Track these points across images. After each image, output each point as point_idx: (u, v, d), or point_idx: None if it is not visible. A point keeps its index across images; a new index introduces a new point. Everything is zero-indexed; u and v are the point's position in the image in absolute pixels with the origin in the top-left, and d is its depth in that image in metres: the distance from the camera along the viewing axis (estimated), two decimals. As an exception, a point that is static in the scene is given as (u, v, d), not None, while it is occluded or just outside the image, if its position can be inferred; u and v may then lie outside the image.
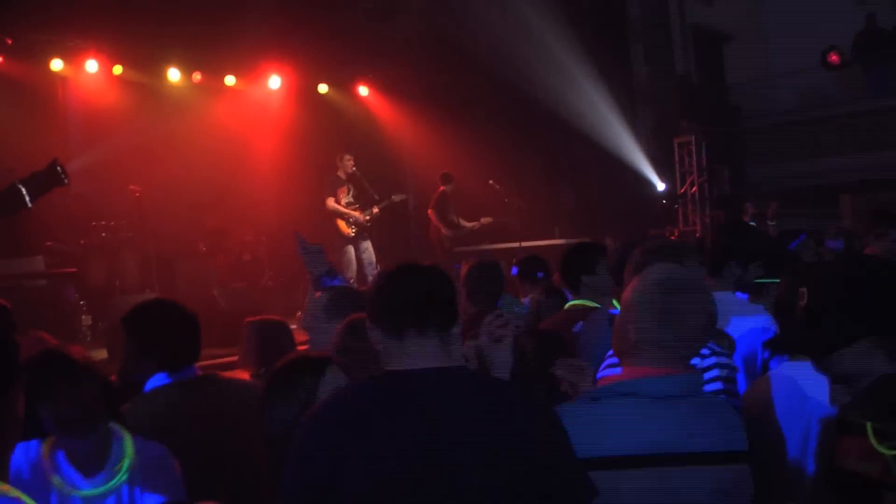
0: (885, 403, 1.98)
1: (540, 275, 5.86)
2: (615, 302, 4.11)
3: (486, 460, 2.14)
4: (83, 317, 9.64)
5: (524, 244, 11.90)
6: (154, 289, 10.00)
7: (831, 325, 2.16)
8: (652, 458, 2.31)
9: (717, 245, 3.99)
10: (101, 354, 8.21)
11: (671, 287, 2.44)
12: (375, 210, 11.67)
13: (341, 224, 11.59)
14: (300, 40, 12.48)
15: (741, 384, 3.13)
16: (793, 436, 2.65)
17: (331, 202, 11.59)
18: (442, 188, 12.46)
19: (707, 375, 2.84)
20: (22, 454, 2.76)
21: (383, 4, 13.56)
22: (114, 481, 2.78)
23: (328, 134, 13.20)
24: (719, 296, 3.58)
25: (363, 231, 11.73)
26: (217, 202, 12.18)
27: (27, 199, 6.62)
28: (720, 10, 19.77)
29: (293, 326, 4.67)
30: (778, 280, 3.57)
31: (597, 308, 4.20)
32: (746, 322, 3.56)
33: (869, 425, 1.98)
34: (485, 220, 12.58)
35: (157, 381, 3.25)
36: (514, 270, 6.13)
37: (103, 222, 10.60)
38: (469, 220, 12.62)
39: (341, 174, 11.71)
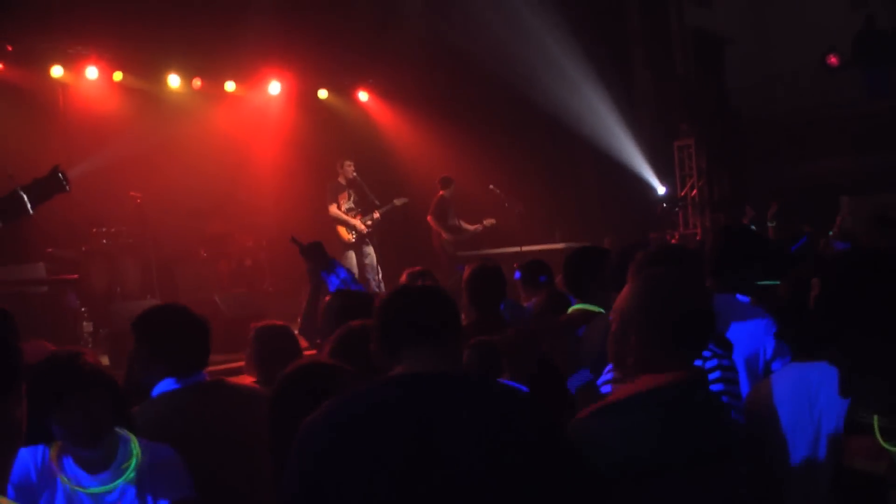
0: (891, 397, 1.97)
1: (543, 279, 5.86)
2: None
3: (485, 467, 2.13)
4: (84, 323, 9.63)
5: (525, 248, 11.90)
6: (155, 295, 10.01)
7: (844, 314, 2.14)
8: (673, 465, 2.30)
9: (717, 247, 3.99)
10: (103, 361, 8.18)
11: (666, 292, 2.44)
12: (376, 215, 11.68)
13: (342, 230, 11.61)
14: (300, 46, 12.50)
15: (743, 386, 3.13)
16: (801, 438, 2.64)
17: (333, 209, 11.61)
18: (441, 192, 12.43)
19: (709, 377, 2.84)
20: (30, 458, 2.78)
21: (383, 10, 13.59)
22: (121, 479, 2.79)
23: (328, 139, 13.21)
24: (720, 298, 3.60)
25: (365, 236, 11.74)
26: (218, 208, 12.19)
27: (28, 205, 6.63)
28: (720, 13, 19.80)
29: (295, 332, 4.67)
30: (779, 282, 3.57)
31: (600, 313, 4.20)
32: (748, 324, 3.56)
33: (876, 419, 1.98)
34: (488, 221, 12.49)
35: (165, 385, 3.25)
36: (518, 275, 6.13)
37: (104, 228, 10.60)
38: (471, 224, 12.59)
39: (342, 180, 11.73)
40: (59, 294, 9.67)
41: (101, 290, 10.29)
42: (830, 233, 8.60)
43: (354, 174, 11.70)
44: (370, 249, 11.78)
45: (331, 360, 2.83)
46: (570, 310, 4.57)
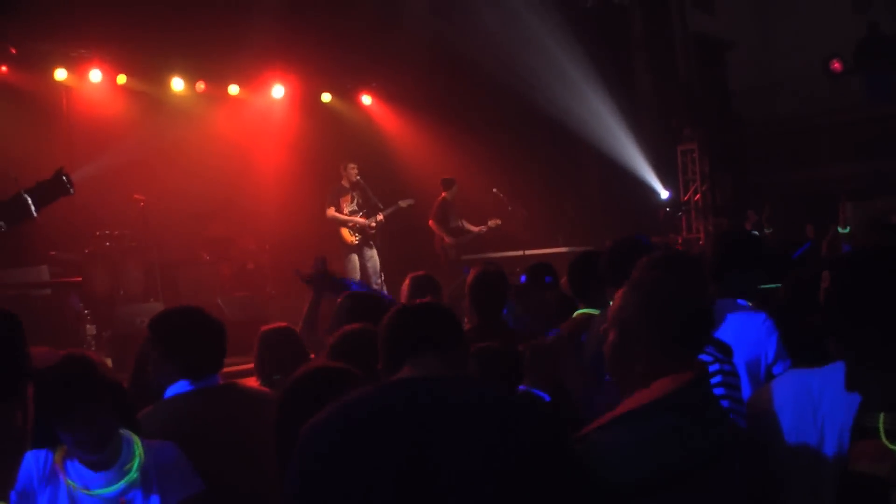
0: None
1: (548, 279, 5.84)
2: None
3: (481, 473, 2.12)
4: (87, 326, 9.64)
5: (528, 252, 11.89)
6: (158, 298, 10.02)
7: (855, 307, 2.11)
8: (691, 472, 2.29)
9: (718, 252, 3.99)
10: (107, 363, 8.20)
11: (668, 294, 2.44)
12: (380, 217, 11.68)
13: (344, 232, 11.61)
14: (303, 50, 12.52)
15: (745, 390, 3.13)
16: (804, 444, 2.63)
17: (331, 211, 11.61)
18: (443, 195, 12.41)
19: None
20: (33, 462, 2.80)
21: (386, 13, 13.60)
22: (123, 481, 2.81)
23: (331, 143, 13.21)
24: (722, 303, 3.61)
25: (368, 239, 11.73)
26: (221, 211, 12.20)
27: (32, 208, 6.65)
28: (722, 18, 19.81)
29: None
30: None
31: (599, 314, 4.19)
32: (749, 328, 3.56)
33: (881, 420, 1.97)
34: (493, 222, 12.41)
35: (179, 387, 3.26)
36: (523, 278, 6.12)
37: (107, 231, 10.61)
38: (475, 225, 12.55)
39: (345, 183, 11.73)
40: (62, 297, 9.68)
41: (104, 293, 10.29)
42: (840, 229, 8.57)
43: (358, 177, 11.71)
44: (373, 252, 11.78)
45: (340, 364, 2.84)
46: (575, 314, 4.57)
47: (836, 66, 16.54)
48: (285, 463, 2.31)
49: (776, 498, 2.66)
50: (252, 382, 4.13)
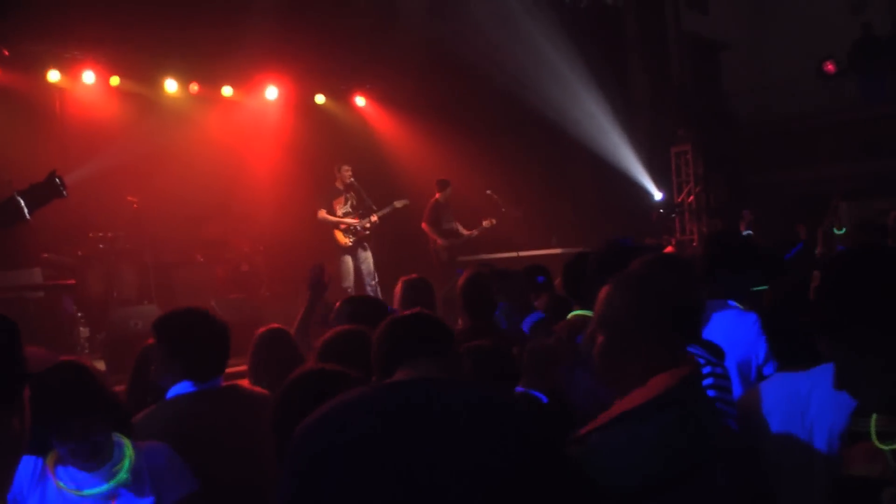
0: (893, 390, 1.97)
1: (541, 279, 5.83)
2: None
3: (477, 472, 2.12)
4: (81, 328, 9.64)
5: (522, 254, 11.89)
6: (152, 300, 10.00)
7: (845, 304, 2.11)
8: (690, 471, 2.29)
9: (709, 253, 4.00)
10: (100, 366, 8.20)
11: (657, 290, 2.44)
12: (374, 218, 11.67)
13: (338, 234, 11.60)
14: (297, 51, 12.51)
15: (736, 392, 3.13)
16: (793, 446, 2.64)
17: (322, 213, 11.59)
18: (437, 196, 12.41)
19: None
20: (24, 467, 2.82)
21: (381, 15, 13.59)
22: (112, 482, 2.82)
23: (325, 145, 13.20)
24: (712, 304, 3.61)
25: (361, 240, 11.72)
26: (215, 213, 12.19)
27: (25, 210, 6.62)
28: (717, 19, 19.85)
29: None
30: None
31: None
32: (740, 330, 3.57)
33: (873, 422, 1.98)
34: (487, 222, 12.43)
35: (181, 388, 3.27)
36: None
37: (101, 233, 10.60)
38: (469, 228, 12.57)
39: (339, 185, 11.72)
40: (56, 299, 9.66)
41: (98, 296, 10.28)
42: (835, 230, 8.55)
43: (352, 179, 11.70)
44: (367, 255, 11.77)
45: (337, 366, 2.84)
46: (570, 315, 4.57)
47: (830, 67, 16.56)
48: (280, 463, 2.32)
49: (770, 499, 2.66)
50: (245, 384, 4.13)
